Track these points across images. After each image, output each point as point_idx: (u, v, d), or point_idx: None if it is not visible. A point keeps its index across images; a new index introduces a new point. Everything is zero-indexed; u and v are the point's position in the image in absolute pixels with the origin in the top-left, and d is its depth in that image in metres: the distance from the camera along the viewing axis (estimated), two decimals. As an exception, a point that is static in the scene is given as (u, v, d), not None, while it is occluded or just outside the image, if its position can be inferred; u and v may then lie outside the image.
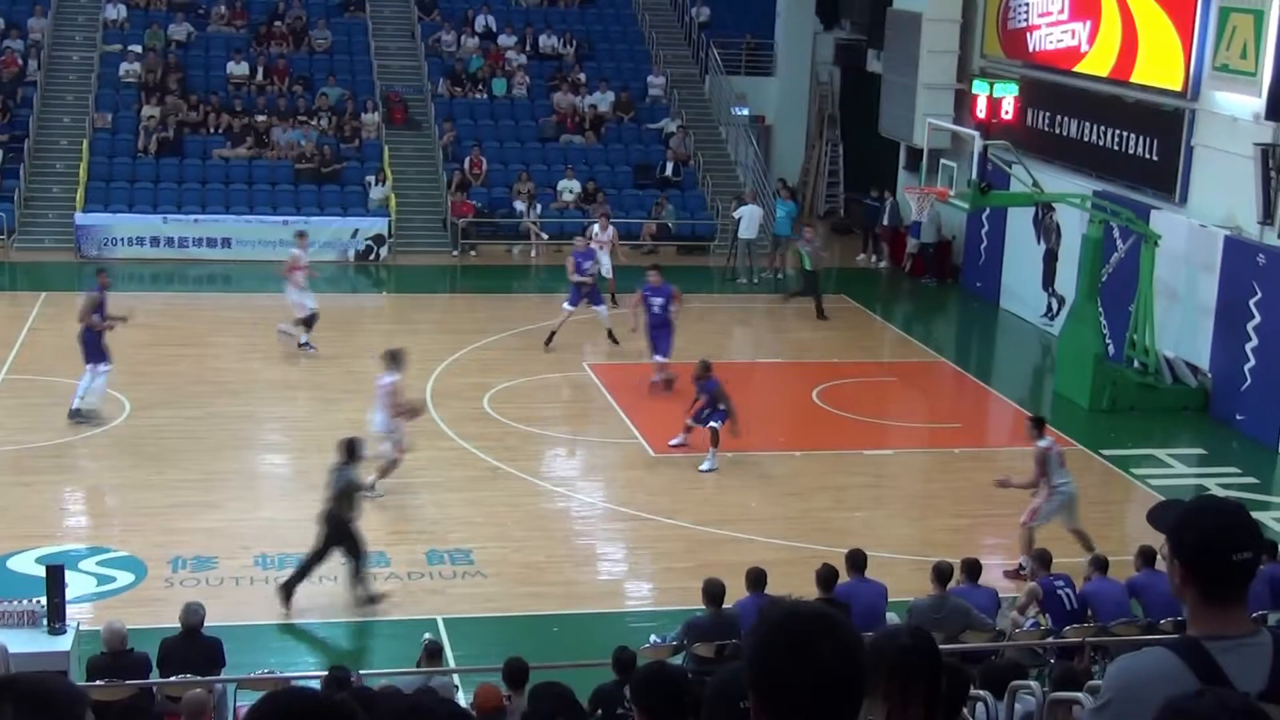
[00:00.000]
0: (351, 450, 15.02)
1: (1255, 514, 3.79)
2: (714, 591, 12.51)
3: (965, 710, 8.48)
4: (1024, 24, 27.40)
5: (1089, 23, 25.30)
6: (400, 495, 17.71)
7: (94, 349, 19.68)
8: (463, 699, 11.31)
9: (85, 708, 3.07)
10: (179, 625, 11.99)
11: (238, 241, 29.46)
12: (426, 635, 12.78)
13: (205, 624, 12.09)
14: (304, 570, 14.71)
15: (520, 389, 21.90)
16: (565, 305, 23.86)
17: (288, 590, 14.59)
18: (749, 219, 29.18)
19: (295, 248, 23.72)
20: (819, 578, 12.71)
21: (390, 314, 28.08)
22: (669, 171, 32.84)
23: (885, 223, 31.89)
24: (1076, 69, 25.75)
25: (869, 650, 3.63)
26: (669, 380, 21.59)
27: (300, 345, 23.13)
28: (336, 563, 15.59)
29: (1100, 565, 13.49)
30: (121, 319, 20.25)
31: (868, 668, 3.05)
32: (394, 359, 17.98)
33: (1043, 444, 15.99)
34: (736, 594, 12.78)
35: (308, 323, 23.16)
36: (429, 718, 3.33)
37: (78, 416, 19.53)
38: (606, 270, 26.30)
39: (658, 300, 21.75)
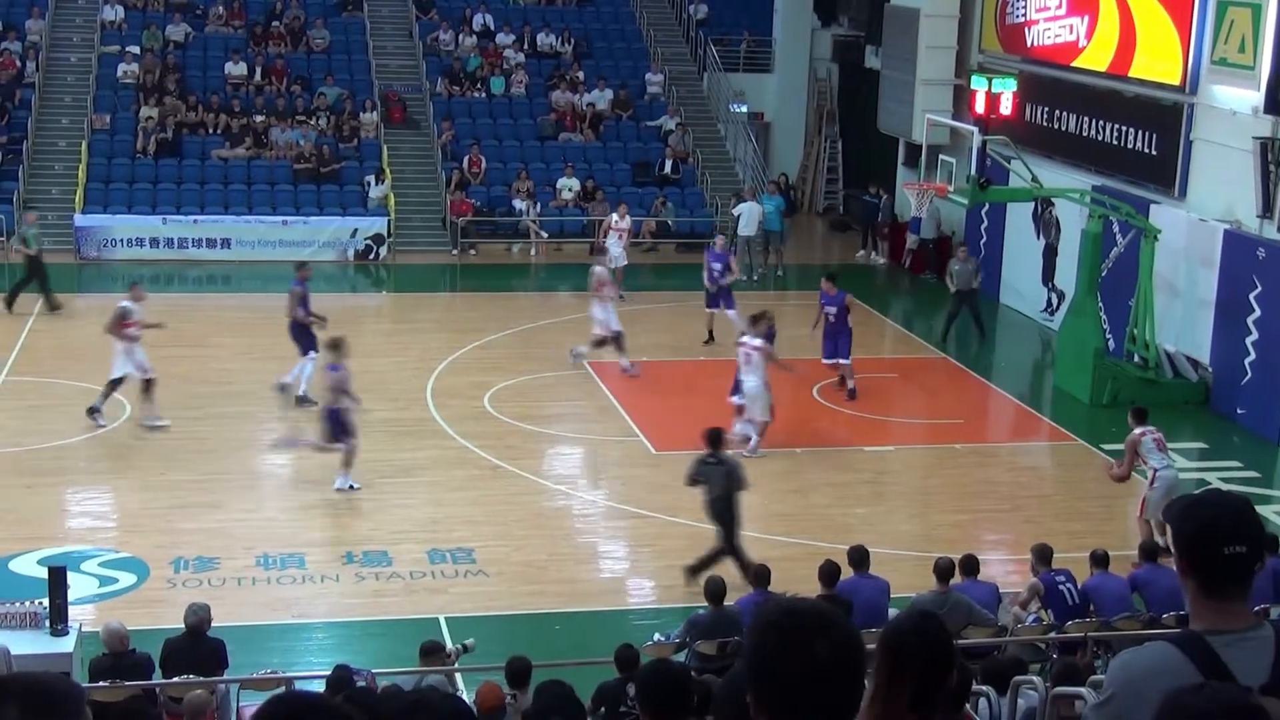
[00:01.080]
0: (718, 440, 15.32)
1: (1256, 508, 3.78)
2: (715, 589, 12.53)
3: (968, 706, 8.48)
4: (1022, 19, 27.39)
5: (1087, 17, 25.29)
6: (401, 494, 17.72)
7: (306, 338, 20.66)
8: (466, 698, 11.31)
9: (84, 703, 3.07)
10: (183, 626, 11.98)
11: (237, 242, 29.47)
12: (469, 640, 12.75)
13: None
14: (712, 559, 14.97)
15: (521, 387, 21.90)
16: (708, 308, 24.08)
17: (694, 571, 14.85)
18: (748, 216, 29.18)
19: (598, 265, 23.59)
20: (821, 574, 12.74)
21: (390, 313, 28.10)
22: (668, 169, 32.84)
23: (881, 219, 31.93)
24: (1075, 64, 25.74)
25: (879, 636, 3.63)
26: (850, 388, 21.94)
27: (572, 355, 22.80)
28: (337, 564, 15.62)
29: (1101, 560, 13.49)
30: (321, 319, 20.95)
31: (864, 665, 3.05)
32: (755, 321, 19.56)
33: (1136, 431, 16.30)
34: (740, 591, 12.79)
35: (604, 342, 22.61)
36: (432, 712, 3.34)
37: (305, 402, 20.28)
38: (622, 260, 26.57)
39: (831, 309, 21.87)
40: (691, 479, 15.40)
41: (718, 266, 24.01)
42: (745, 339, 19.50)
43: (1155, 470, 16.19)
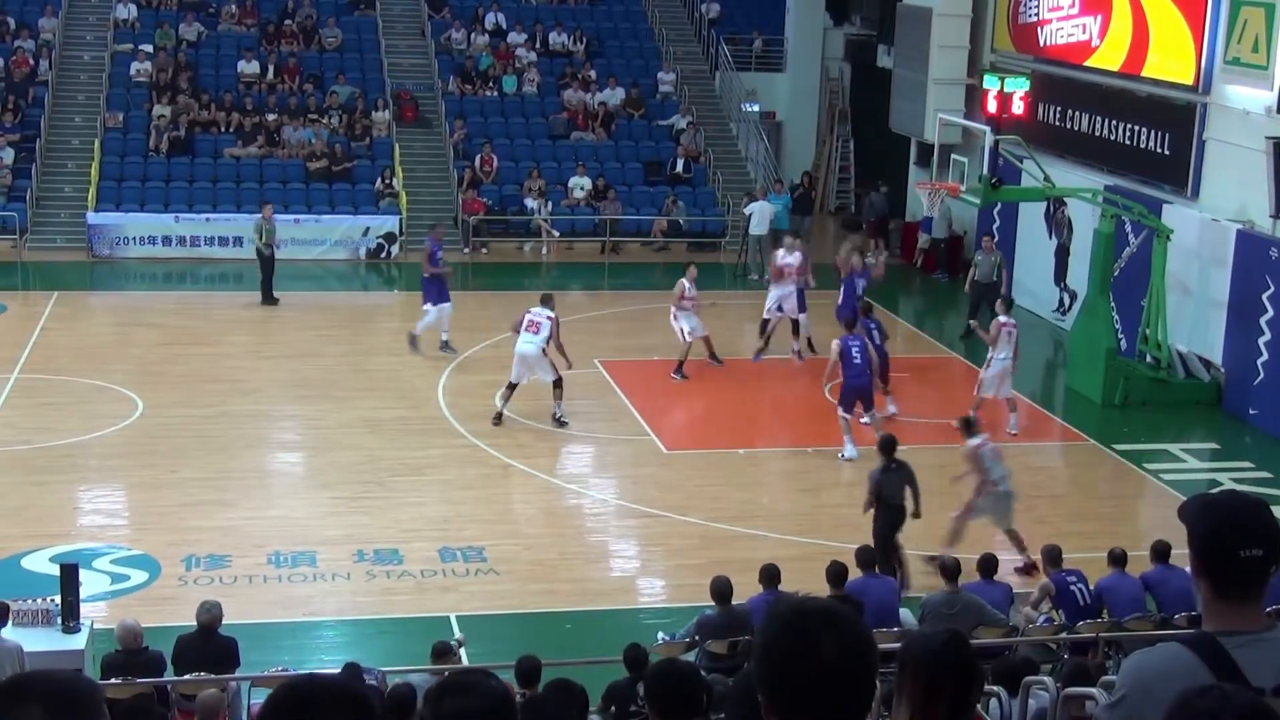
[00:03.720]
0: (893, 446, 15.39)
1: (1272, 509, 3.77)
2: (721, 589, 12.51)
3: (979, 706, 8.47)
4: (1035, 18, 27.35)
5: (1100, 17, 25.24)
6: (412, 493, 17.73)
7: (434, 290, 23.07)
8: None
9: (103, 700, 3.08)
10: (195, 623, 12.00)
11: (250, 240, 29.36)
12: (459, 635, 12.75)
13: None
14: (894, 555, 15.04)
15: (532, 386, 21.87)
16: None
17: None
18: (760, 215, 29.15)
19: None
20: (829, 575, 12.72)
21: (402, 311, 28.07)
22: (679, 168, 32.82)
23: (872, 218, 31.93)
24: (1087, 63, 25.70)
25: (902, 649, 3.64)
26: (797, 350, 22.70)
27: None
28: (348, 562, 15.63)
29: (1119, 560, 13.45)
30: (448, 270, 23.60)
31: (874, 664, 3.05)
32: (1009, 304, 20.39)
33: (974, 442, 15.82)
34: (749, 590, 12.78)
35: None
36: (463, 691, 3.37)
37: (447, 349, 23.12)
38: (700, 330, 22.47)
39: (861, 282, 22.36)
40: (874, 492, 15.14)
41: (790, 261, 23.49)
42: (1003, 317, 19.95)
43: (994, 482, 15.73)
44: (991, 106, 26.87)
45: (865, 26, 35.41)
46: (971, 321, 21.36)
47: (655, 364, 22.73)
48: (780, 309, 23.36)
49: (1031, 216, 27.28)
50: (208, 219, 29.69)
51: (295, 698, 2.96)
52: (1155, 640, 3.96)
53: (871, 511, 15.20)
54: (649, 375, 22.45)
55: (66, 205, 30.21)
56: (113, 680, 11.02)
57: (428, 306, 23.01)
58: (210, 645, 11.80)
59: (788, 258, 23.29)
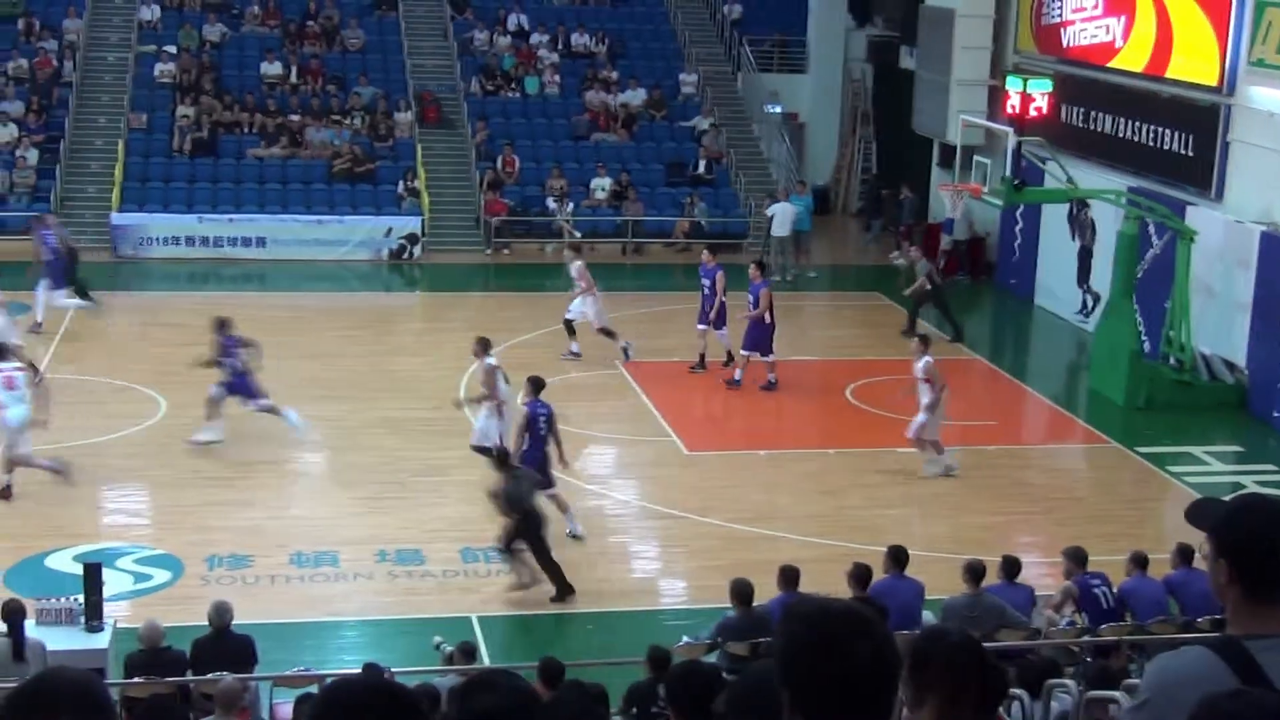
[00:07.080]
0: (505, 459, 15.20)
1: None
2: (742, 591, 12.46)
3: (1001, 709, 8.45)
4: (1058, 19, 27.27)
5: (1123, 18, 25.17)
6: (434, 493, 17.75)
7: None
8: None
9: (113, 704, 3.11)
10: (208, 624, 12.04)
11: (272, 241, 29.57)
12: (443, 642, 12.76)
13: (241, 621, 12.11)
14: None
15: (553, 387, 21.84)
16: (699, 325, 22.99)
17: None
18: (781, 217, 29.13)
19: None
20: (853, 577, 12.65)
21: (423, 312, 28.16)
22: (701, 169, 32.82)
23: (904, 218, 31.87)
24: (1111, 64, 25.62)
25: (916, 648, 3.64)
26: (737, 378, 21.95)
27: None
28: (370, 562, 15.66)
29: (1141, 562, 13.39)
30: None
31: (900, 667, 3.06)
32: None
33: (929, 359, 18.57)
34: (769, 592, 12.77)
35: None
36: (491, 689, 3.39)
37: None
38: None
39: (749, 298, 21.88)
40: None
41: (706, 283, 22.74)
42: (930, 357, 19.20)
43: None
44: (1014, 108, 26.80)
45: (888, 28, 35.35)
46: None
47: (677, 365, 22.72)
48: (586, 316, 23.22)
49: (1055, 218, 27.21)
50: (231, 219, 29.79)
51: (347, 698, 2.97)
52: (1179, 643, 3.94)
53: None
54: (670, 376, 22.44)
55: (90, 206, 30.34)
56: (135, 679, 11.06)
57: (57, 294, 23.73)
58: (226, 644, 11.83)
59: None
